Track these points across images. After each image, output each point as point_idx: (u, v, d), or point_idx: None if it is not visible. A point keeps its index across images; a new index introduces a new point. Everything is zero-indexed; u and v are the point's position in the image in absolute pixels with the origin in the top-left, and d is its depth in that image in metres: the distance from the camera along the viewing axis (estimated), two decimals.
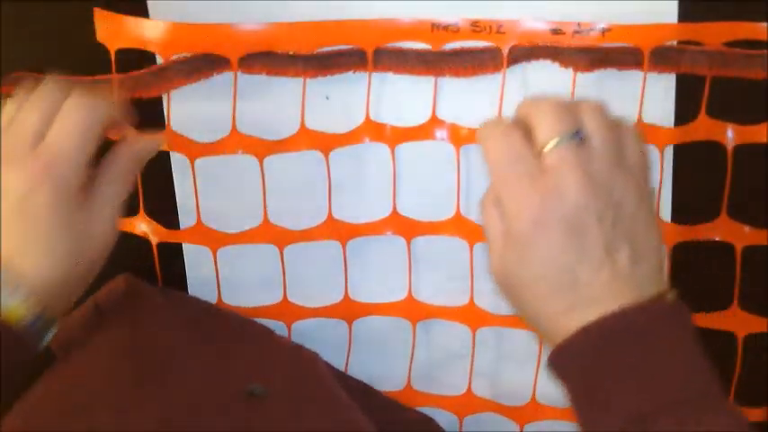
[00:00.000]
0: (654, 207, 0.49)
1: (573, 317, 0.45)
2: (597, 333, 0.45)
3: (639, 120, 0.58)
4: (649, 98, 0.58)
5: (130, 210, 0.64)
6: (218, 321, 0.64)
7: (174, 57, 0.59)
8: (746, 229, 0.61)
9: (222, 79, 0.60)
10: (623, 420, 0.44)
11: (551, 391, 0.65)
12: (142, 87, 0.61)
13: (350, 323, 0.67)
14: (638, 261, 0.46)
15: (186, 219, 0.65)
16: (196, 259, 0.66)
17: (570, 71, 0.59)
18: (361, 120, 0.61)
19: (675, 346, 0.45)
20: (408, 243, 0.64)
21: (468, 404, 0.67)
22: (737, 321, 0.62)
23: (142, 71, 0.61)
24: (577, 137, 0.47)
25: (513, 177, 0.47)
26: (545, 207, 0.46)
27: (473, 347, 0.66)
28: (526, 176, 0.46)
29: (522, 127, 0.48)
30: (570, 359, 0.46)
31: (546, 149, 0.46)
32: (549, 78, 0.59)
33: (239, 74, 0.60)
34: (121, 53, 0.60)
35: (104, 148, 0.62)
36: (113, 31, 0.59)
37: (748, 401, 0.64)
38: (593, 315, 0.45)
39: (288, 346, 0.65)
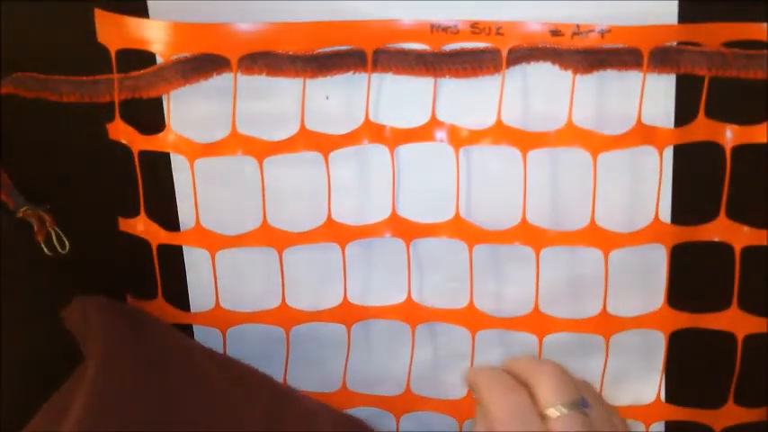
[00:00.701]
0: None
1: None
2: None
3: (639, 120, 0.58)
4: (649, 99, 0.58)
5: (132, 211, 0.64)
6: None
7: (174, 57, 0.59)
8: (745, 229, 0.61)
9: (222, 80, 0.60)
10: None
11: None
12: (142, 88, 0.61)
13: (348, 327, 0.66)
14: None
15: (187, 220, 0.65)
16: (196, 261, 0.66)
17: (570, 72, 0.59)
18: (360, 121, 0.61)
19: None
20: (407, 245, 0.64)
21: (468, 408, 0.67)
22: (737, 322, 0.62)
23: (141, 71, 0.60)
24: (583, 407, 0.47)
25: None
26: None
27: (473, 350, 0.65)
28: None
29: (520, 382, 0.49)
30: None
31: (553, 416, 0.47)
32: (548, 80, 0.59)
33: (239, 74, 0.60)
34: (122, 53, 0.60)
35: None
36: (114, 31, 0.59)
37: (748, 401, 0.64)
38: None
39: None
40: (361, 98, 0.60)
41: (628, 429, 0.51)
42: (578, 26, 0.57)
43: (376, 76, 0.60)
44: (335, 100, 0.61)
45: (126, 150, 0.63)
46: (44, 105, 0.62)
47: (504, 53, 0.58)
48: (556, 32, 0.58)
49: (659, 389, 0.65)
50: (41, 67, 0.61)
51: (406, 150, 0.62)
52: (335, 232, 0.64)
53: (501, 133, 0.60)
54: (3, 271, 0.66)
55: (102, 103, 0.61)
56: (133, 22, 0.59)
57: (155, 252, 0.65)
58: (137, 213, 0.64)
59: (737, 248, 0.61)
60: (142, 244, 0.65)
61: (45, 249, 0.64)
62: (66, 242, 0.65)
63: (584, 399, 0.48)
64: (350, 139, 0.62)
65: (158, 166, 0.63)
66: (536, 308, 0.63)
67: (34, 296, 0.67)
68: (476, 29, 0.58)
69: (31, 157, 0.64)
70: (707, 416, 0.65)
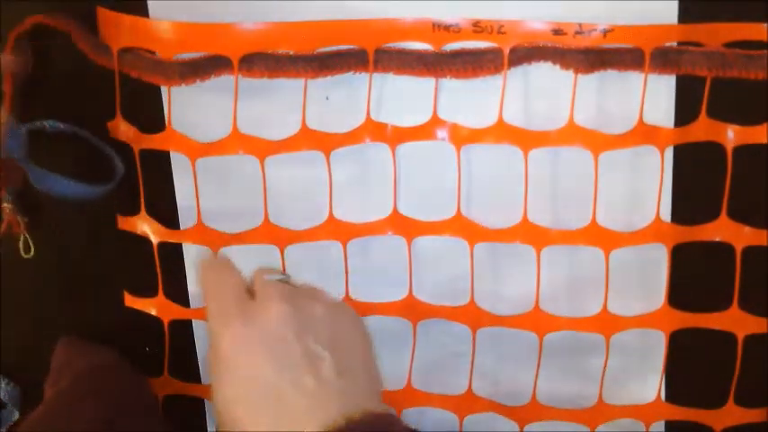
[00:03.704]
0: (366, 342, 0.52)
1: None
2: None
3: (640, 120, 0.58)
4: (650, 99, 0.58)
5: (132, 209, 0.65)
6: None
7: (175, 57, 0.59)
8: (746, 229, 0.61)
9: (223, 79, 0.60)
10: None
11: (552, 391, 0.66)
12: (141, 68, 0.60)
13: None
14: (345, 374, 0.48)
15: (187, 219, 0.65)
16: (196, 259, 0.66)
17: (571, 72, 0.59)
18: (361, 120, 0.61)
19: None
20: (409, 243, 0.64)
21: (468, 404, 0.67)
22: (737, 322, 0.62)
23: (145, 54, 0.60)
24: (285, 277, 0.54)
25: (223, 304, 0.51)
26: (247, 328, 0.49)
27: (473, 347, 0.66)
28: (234, 303, 0.50)
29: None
30: None
31: (257, 286, 0.52)
32: (550, 79, 0.59)
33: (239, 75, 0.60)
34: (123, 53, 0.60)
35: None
36: (116, 30, 0.59)
37: (748, 402, 0.64)
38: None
39: None
40: (362, 97, 0.60)
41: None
42: (580, 25, 0.57)
43: (377, 75, 0.60)
44: (336, 99, 0.61)
45: (126, 148, 0.63)
46: (46, 103, 0.63)
47: (506, 52, 0.58)
48: (558, 31, 0.58)
49: (659, 388, 0.65)
50: None
51: (407, 149, 0.62)
52: (337, 230, 0.64)
53: (502, 132, 0.60)
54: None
55: (102, 101, 0.62)
56: (135, 22, 0.59)
57: (155, 250, 0.65)
58: (137, 212, 0.64)
59: (738, 248, 0.61)
60: (143, 242, 0.65)
61: None
62: (32, 248, 0.67)
63: (287, 275, 0.55)
64: (351, 137, 0.62)
65: (159, 164, 0.64)
66: (536, 306, 0.63)
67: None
68: (477, 27, 0.58)
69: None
70: (707, 416, 0.65)
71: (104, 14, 0.60)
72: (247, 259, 0.64)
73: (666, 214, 0.61)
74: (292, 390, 0.47)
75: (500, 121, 0.60)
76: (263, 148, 0.61)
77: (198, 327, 0.69)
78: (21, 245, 0.66)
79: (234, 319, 0.49)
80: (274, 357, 0.48)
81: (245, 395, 0.48)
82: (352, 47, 0.59)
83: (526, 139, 0.60)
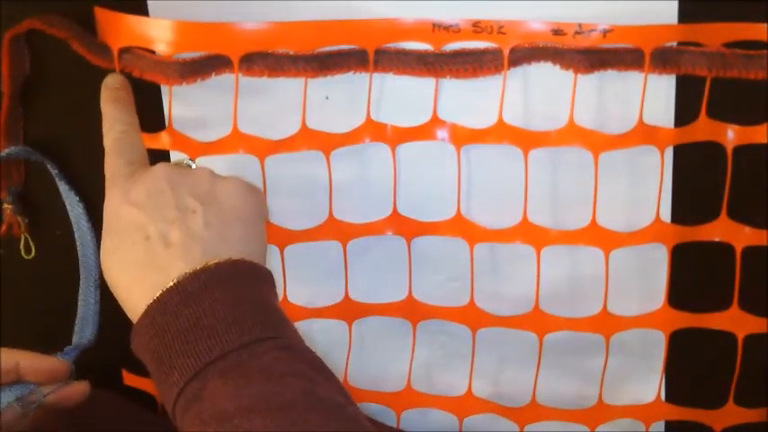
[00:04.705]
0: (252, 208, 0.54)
1: (149, 294, 0.48)
2: (161, 301, 0.47)
3: (640, 120, 0.58)
4: (650, 99, 0.58)
5: None
6: None
7: (175, 56, 0.59)
8: (746, 229, 0.61)
9: (223, 78, 0.60)
10: (184, 381, 0.45)
11: (551, 392, 0.66)
12: (143, 68, 0.60)
13: (350, 323, 0.67)
14: (213, 227, 0.50)
15: None
16: None
17: (571, 72, 0.59)
18: (361, 120, 0.61)
19: (231, 301, 0.47)
20: (408, 243, 0.64)
21: (468, 405, 0.67)
22: (737, 322, 0.62)
23: (144, 54, 0.60)
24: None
25: (117, 165, 0.54)
26: (130, 183, 0.52)
27: (473, 348, 0.66)
28: (127, 164, 0.54)
29: None
30: (141, 335, 0.48)
31: None
32: (549, 79, 0.59)
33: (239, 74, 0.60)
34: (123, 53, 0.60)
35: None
36: (114, 29, 0.59)
37: (748, 401, 0.64)
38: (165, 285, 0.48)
39: None
40: (362, 97, 0.60)
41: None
42: (580, 25, 0.57)
43: (377, 75, 0.60)
44: (336, 99, 0.61)
45: None
46: (46, 104, 0.63)
47: (506, 52, 0.58)
48: (558, 32, 0.58)
49: (659, 388, 0.65)
50: None
51: (407, 149, 0.62)
52: (337, 230, 0.64)
53: (502, 132, 0.60)
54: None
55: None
56: (134, 21, 0.59)
57: None
58: None
59: (738, 248, 0.61)
60: None
61: None
62: (33, 249, 0.67)
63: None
64: (351, 137, 0.62)
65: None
66: (536, 307, 0.63)
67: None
68: (477, 28, 0.58)
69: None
70: (707, 416, 0.65)
71: (103, 14, 0.59)
72: None
73: (666, 214, 0.61)
74: (159, 241, 0.49)
75: (500, 121, 0.60)
76: (263, 148, 0.61)
77: None
78: (21, 246, 0.67)
79: (122, 178, 0.53)
80: (149, 208, 0.51)
81: (120, 246, 0.51)
82: (352, 47, 0.59)
83: (526, 140, 0.60)
